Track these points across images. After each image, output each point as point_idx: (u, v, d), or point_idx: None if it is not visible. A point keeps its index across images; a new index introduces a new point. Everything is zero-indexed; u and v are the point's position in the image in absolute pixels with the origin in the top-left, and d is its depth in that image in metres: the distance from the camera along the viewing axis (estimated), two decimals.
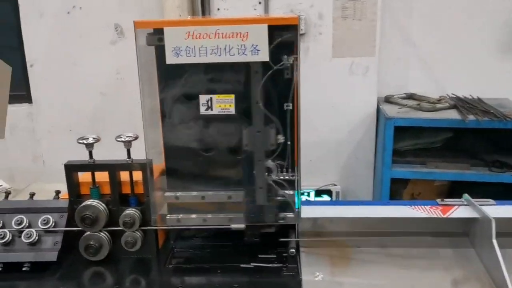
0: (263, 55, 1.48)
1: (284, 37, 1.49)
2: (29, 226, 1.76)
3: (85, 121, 3.58)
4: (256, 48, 1.48)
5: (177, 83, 1.62)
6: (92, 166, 1.73)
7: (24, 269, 1.70)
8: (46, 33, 3.54)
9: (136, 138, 1.73)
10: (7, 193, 1.88)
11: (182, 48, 1.50)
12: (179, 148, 1.72)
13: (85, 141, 1.72)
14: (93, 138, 1.74)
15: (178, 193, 1.75)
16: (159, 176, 1.78)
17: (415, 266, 1.67)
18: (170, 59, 1.52)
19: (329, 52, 3.42)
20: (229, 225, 1.71)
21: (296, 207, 1.69)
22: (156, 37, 1.57)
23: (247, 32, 1.48)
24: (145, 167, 1.70)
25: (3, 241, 1.73)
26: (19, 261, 1.71)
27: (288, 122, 1.65)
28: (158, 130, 1.73)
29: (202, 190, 1.73)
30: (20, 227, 1.75)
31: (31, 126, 3.61)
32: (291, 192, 1.73)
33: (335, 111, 3.51)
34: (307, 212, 1.75)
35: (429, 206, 1.81)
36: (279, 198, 1.71)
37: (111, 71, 3.51)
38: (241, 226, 1.70)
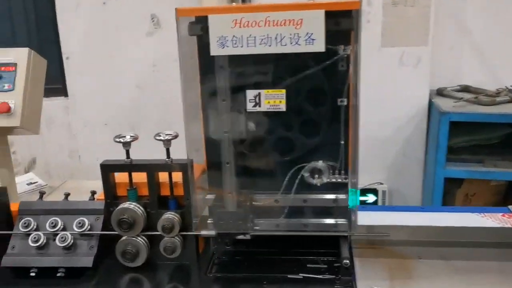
0: (319, 45, 1.31)
1: (345, 24, 1.32)
2: (64, 229, 1.66)
3: (121, 115, 3.49)
4: (311, 37, 1.31)
5: (222, 77, 1.47)
6: (130, 166, 1.62)
7: (58, 274, 1.62)
8: (82, 25, 3.46)
9: (176, 136, 1.59)
10: (42, 193, 1.79)
11: (228, 37, 1.34)
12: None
13: (122, 140, 1.60)
14: (131, 136, 1.62)
15: None
16: (199, 177, 1.65)
17: (486, 282, 1.49)
18: (215, 50, 1.37)
19: (377, 42, 3.20)
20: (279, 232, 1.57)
21: (350, 206, 1.53)
22: (199, 26, 1.42)
23: (301, 19, 1.31)
24: (185, 167, 1.57)
25: (37, 244, 1.64)
26: (53, 266, 1.62)
27: (342, 118, 1.49)
28: (199, 127, 1.60)
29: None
30: (55, 229, 1.65)
31: (67, 121, 3.55)
32: (343, 196, 1.57)
33: (383, 105, 3.29)
34: (361, 218, 1.59)
35: (500, 213, 1.62)
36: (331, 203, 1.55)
37: (147, 63, 3.40)
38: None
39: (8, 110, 1.96)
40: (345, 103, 1.47)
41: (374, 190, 3.41)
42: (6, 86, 2.00)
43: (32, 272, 1.62)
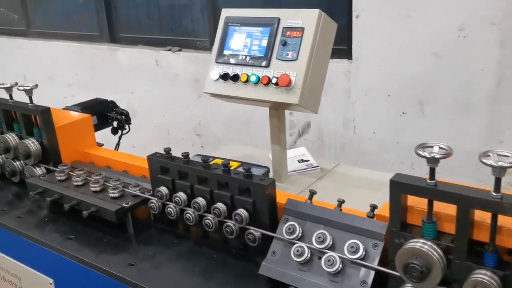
0: None
1: None
2: (332, 247, 1.32)
3: (407, 87, 2.95)
4: None
5: None
6: (433, 192, 1.12)
7: None
8: None
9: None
10: (312, 193, 1.47)
11: None
12: None
13: (427, 153, 1.11)
14: (441, 149, 1.11)
15: None
16: None
17: None
18: None
19: None
20: None
21: None
22: None
23: None
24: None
25: (300, 259, 1.34)
26: None
27: None
28: None
29: None
30: (322, 246, 1.33)
31: (346, 86, 3.21)
32: None
33: None
34: None
35: None
36: None
37: (452, 26, 2.72)
38: None
39: (288, 84, 1.68)
40: None
41: None
42: (290, 55, 1.72)
43: None
